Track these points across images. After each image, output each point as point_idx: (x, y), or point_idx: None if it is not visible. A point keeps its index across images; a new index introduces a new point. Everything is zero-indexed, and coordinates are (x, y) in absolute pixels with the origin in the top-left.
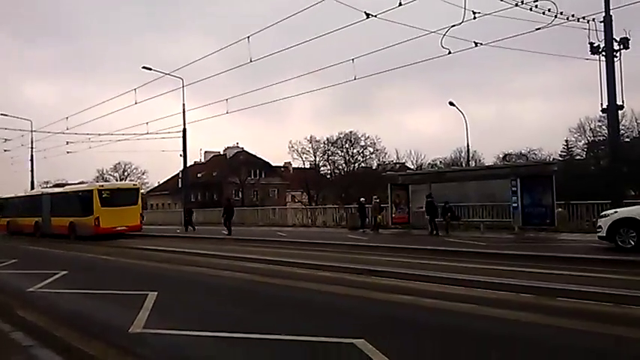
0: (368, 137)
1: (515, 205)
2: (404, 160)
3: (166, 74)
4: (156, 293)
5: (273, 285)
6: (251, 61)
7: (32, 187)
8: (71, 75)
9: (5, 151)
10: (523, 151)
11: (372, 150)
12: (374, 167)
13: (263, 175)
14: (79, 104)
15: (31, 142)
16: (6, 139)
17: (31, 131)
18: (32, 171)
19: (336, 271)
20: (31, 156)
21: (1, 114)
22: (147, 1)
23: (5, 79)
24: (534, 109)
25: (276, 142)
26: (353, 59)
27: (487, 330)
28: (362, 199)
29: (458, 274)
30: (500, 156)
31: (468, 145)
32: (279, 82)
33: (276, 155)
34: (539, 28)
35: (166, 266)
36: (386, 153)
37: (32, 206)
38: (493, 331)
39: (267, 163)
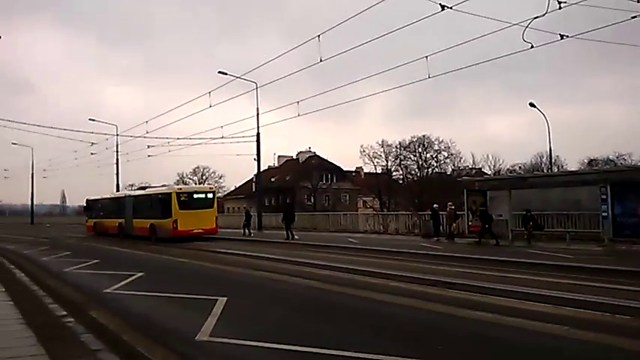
0: (442, 141)
1: (605, 214)
2: (480, 165)
3: (240, 78)
4: (225, 299)
5: (343, 294)
6: (321, 60)
7: (117, 190)
8: (151, 80)
9: (92, 154)
10: (611, 156)
11: (446, 154)
12: (448, 172)
13: (334, 180)
14: (159, 109)
15: (116, 146)
16: (92, 143)
17: (117, 135)
18: (117, 174)
19: (408, 281)
20: (117, 159)
21: (90, 119)
22: (219, 8)
23: (92, 85)
24: (621, 111)
25: (348, 146)
26: (427, 56)
27: (582, 356)
28: (435, 205)
29: (544, 289)
30: (585, 161)
31: (550, 150)
32: (350, 83)
33: (347, 160)
34: (635, 17)
35: (237, 270)
36: (461, 157)
37: (116, 208)
38: (587, 357)
39: (339, 167)
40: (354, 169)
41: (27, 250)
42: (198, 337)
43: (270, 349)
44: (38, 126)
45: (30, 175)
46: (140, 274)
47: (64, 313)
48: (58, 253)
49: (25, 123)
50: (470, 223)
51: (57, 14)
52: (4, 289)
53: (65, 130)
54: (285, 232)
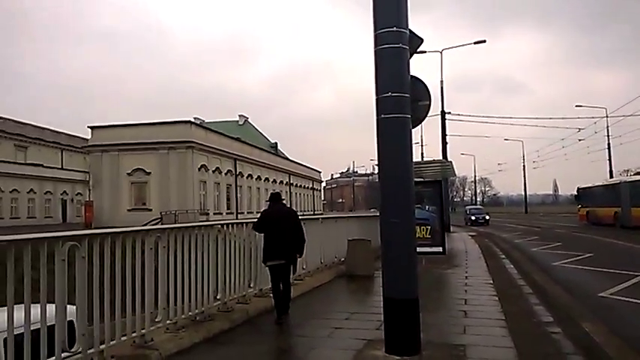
0: None
1: None
2: None
3: None
4: None
5: None
6: None
7: (611, 176)
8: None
9: (580, 140)
10: None
11: None
12: None
13: None
14: None
15: (607, 130)
16: (579, 129)
17: (606, 117)
18: (609, 159)
19: None
20: (608, 143)
21: (576, 105)
22: None
23: (573, 72)
24: None
25: None
26: None
27: None
28: None
29: None
30: None
31: None
32: None
33: None
34: None
35: None
36: None
37: (611, 196)
38: None
39: None
40: None
41: (518, 239)
42: None
43: None
44: (526, 118)
45: (522, 167)
46: None
47: (550, 319)
48: (547, 243)
49: (514, 117)
50: None
51: (535, 18)
52: (491, 281)
53: (551, 119)
54: None
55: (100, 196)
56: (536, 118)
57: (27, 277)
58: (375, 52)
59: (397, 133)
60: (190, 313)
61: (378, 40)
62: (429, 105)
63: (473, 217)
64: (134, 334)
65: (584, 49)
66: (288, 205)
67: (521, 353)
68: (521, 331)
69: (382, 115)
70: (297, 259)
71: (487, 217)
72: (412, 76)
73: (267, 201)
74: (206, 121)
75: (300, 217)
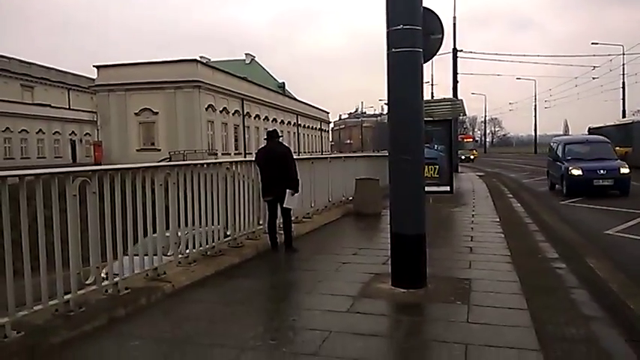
0: None
1: None
2: None
3: None
4: None
5: None
6: None
7: (623, 116)
8: None
9: (593, 79)
10: None
11: None
12: None
13: None
14: None
15: (622, 68)
16: (594, 67)
17: (623, 54)
18: (623, 98)
19: None
20: (623, 82)
21: (592, 43)
22: None
23: (595, 7)
24: None
25: None
26: None
27: None
28: None
29: None
30: None
31: None
32: None
33: None
34: None
35: None
36: None
37: (622, 136)
38: None
39: None
40: None
41: (526, 179)
42: None
43: None
44: (539, 56)
45: (533, 107)
46: None
47: (555, 255)
48: None
49: (527, 55)
50: None
51: None
52: (498, 219)
53: (565, 56)
54: None
55: (108, 136)
56: (550, 56)
57: (39, 214)
58: None
59: (408, 68)
60: (201, 248)
61: None
62: (442, 39)
63: (576, 172)
64: (147, 268)
65: None
66: (296, 146)
67: (526, 287)
68: (526, 267)
69: (393, 49)
70: (284, 195)
71: (626, 171)
72: (425, 8)
73: (264, 138)
74: (212, 60)
75: (294, 156)
